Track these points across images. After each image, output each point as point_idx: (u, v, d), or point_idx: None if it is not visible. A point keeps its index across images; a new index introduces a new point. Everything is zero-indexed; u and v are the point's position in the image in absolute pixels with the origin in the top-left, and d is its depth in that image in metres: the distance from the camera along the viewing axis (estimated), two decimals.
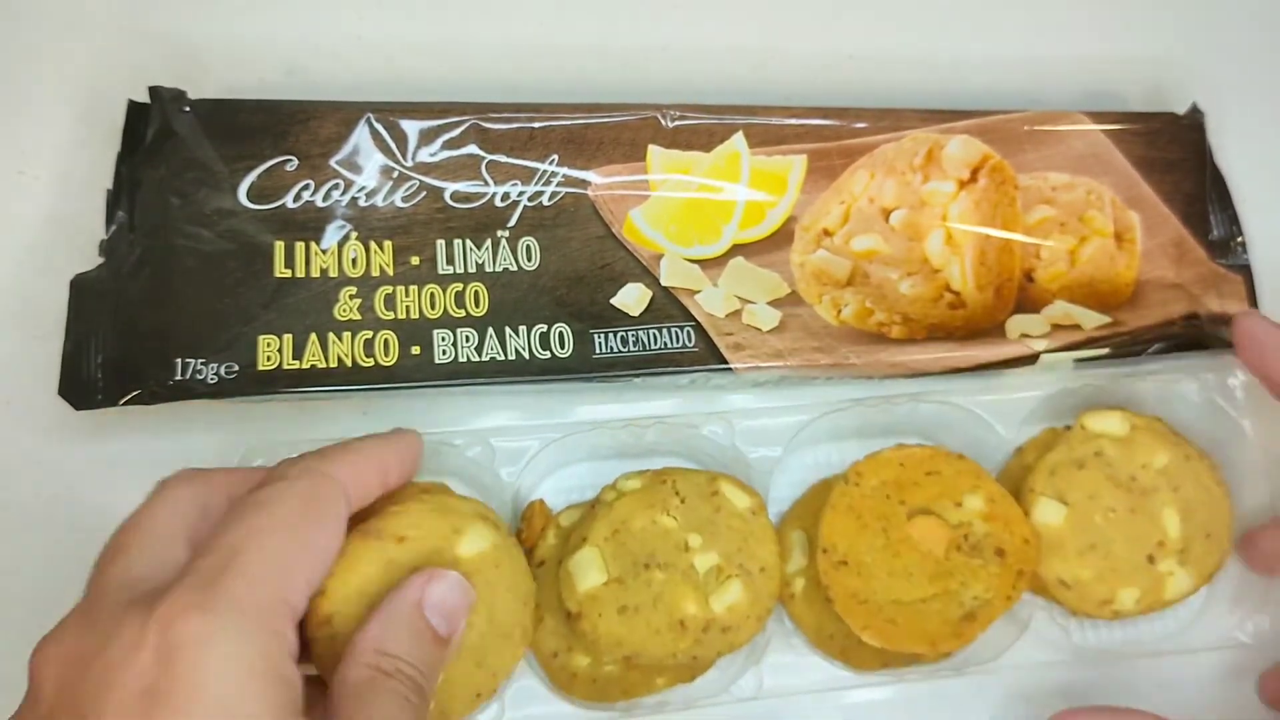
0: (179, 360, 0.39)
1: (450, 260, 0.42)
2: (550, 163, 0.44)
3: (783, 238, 0.44)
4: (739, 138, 0.45)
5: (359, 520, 0.34)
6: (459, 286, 0.42)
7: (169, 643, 0.25)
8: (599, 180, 0.44)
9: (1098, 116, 0.47)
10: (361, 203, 0.42)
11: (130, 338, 0.39)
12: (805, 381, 0.44)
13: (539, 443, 0.40)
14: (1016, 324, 0.44)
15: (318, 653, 0.32)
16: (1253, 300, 0.46)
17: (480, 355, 0.41)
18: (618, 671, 0.39)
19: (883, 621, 0.38)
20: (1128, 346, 0.44)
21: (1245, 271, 0.47)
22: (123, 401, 0.39)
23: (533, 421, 0.42)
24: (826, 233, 0.45)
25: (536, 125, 0.44)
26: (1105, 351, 0.44)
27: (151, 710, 0.25)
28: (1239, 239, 0.47)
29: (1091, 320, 0.45)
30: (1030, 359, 0.44)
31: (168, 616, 0.26)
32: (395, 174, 0.43)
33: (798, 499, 0.43)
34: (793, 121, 0.45)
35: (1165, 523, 0.40)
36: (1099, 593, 0.40)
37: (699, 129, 0.45)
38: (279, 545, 0.29)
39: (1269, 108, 0.50)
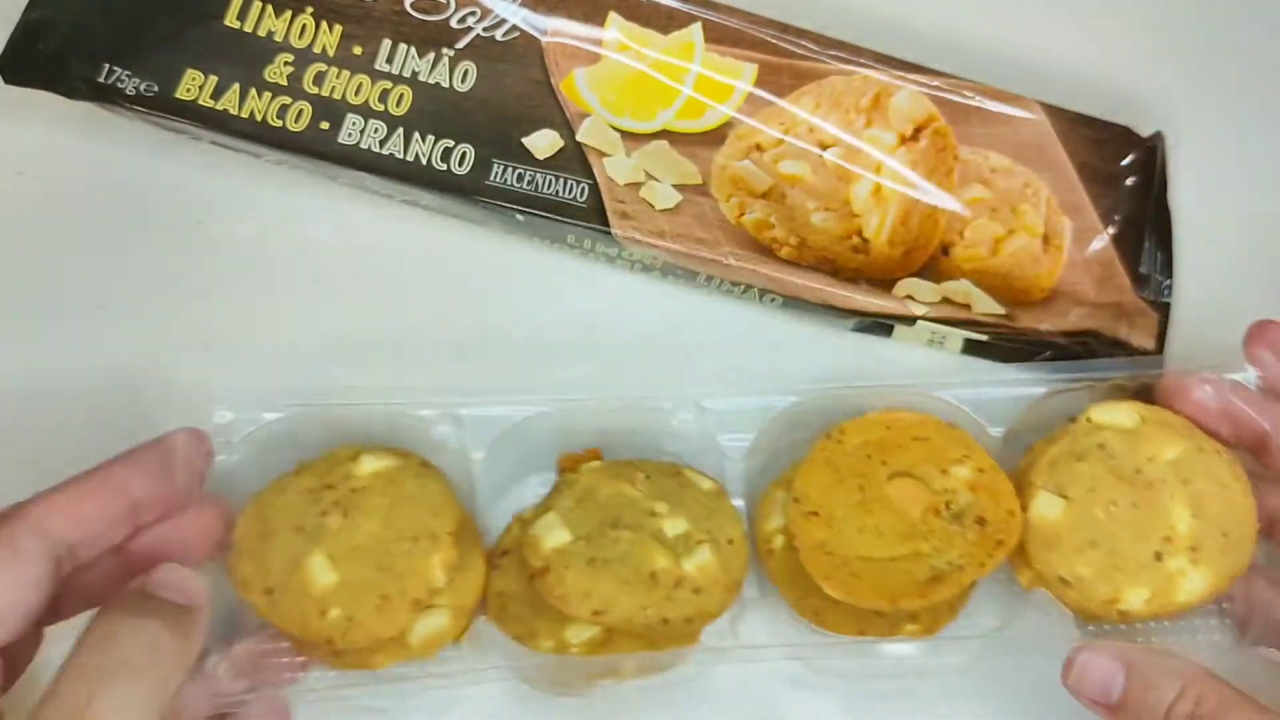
0: (107, 65, 0.42)
1: (390, 60, 0.44)
2: (515, 2, 0.45)
3: (714, 138, 0.45)
4: (697, 29, 0.45)
5: None
6: (388, 85, 0.43)
7: None
8: (555, 30, 0.45)
9: (1053, 110, 0.46)
10: None
11: (74, 35, 0.42)
12: (689, 278, 0.44)
13: (513, 414, 0.40)
14: (906, 285, 0.44)
15: (231, 572, 0.36)
16: (1162, 341, 0.45)
17: (381, 149, 0.43)
18: (584, 654, 0.37)
19: (845, 574, 0.37)
20: (1007, 341, 0.44)
21: (1164, 310, 0.45)
22: (47, 87, 0.41)
23: (502, 396, 0.40)
24: (758, 148, 0.45)
25: None
26: (985, 339, 0.44)
27: None
28: (1167, 282, 0.46)
29: (984, 306, 0.44)
30: (907, 320, 0.44)
31: None
32: None
33: (791, 464, 0.41)
34: (751, 28, 0.45)
35: (1173, 517, 0.38)
36: (1102, 591, 0.37)
37: (661, 9, 0.45)
38: None
39: (1231, 151, 0.49)
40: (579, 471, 0.39)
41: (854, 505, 0.38)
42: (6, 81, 0.41)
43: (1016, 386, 0.41)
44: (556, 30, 0.45)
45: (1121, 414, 0.39)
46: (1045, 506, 0.38)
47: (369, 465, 0.38)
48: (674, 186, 0.44)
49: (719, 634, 0.37)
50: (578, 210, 0.43)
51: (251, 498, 0.37)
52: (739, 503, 0.40)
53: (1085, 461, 0.39)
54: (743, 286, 0.44)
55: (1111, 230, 0.46)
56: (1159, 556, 0.37)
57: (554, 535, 0.37)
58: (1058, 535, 0.38)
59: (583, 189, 0.43)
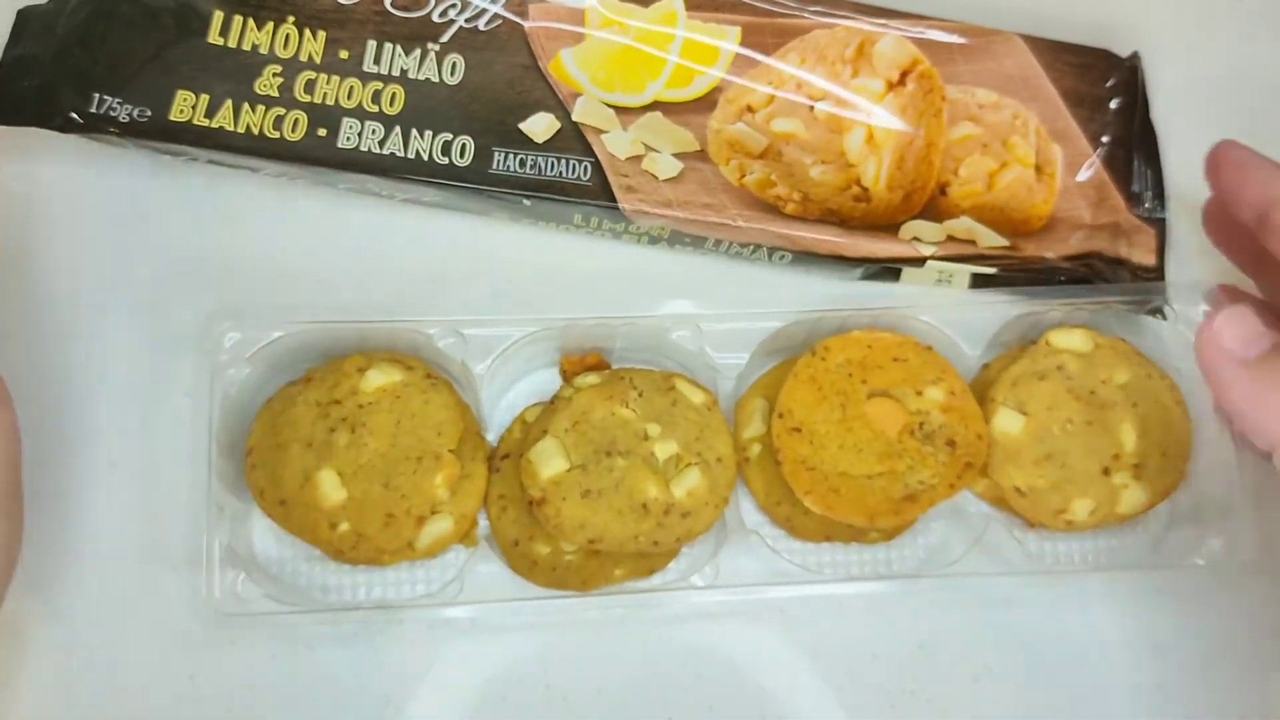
0: (97, 95, 0.41)
1: (377, 60, 0.44)
2: None
3: (705, 104, 0.45)
4: None
5: None
6: (379, 85, 0.43)
7: None
8: (537, 13, 0.45)
9: (1033, 41, 0.47)
10: None
11: (58, 69, 0.42)
12: (698, 244, 0.45)
13: (514, 334, 0.41)
14: (911, 227, 0.45)
15: (248, 482, 0.39)
16: (1162, 255, 0.46)
17: (381, 149, 0.43)
18: (577, 560, 0.40)
19: (826, 489, 0.39)
20: (1017, 271, 0.45)
21: (1160, 225, 0.47)
22: (38, 123, 0.41)
23: (507, 315, 0.42)
24: (749, 109, 0.45)
25: None
26: (993, 271, 0.45)
27: None
28: (1159, 193, 0.47)
29: (989, 240, 0.45)
30: (917, 262, 0.44)
31: None
32: None
33: (765, 371, 0.44)
34: None
35: (1122, 436, 0.41)
36: (1054, 502, 0.40)
37: None
38: None
39: (1212, 70, 0.50)
40: (575, 387, 0.41)
41: (835, 422, 0.40)
42: None
43: (993, 309, 0.44)
44: (538, 13, 0.45)
45: (1077, 339, 0.42)
46: (1006, 421, 0.41)
47: (375, 380, 0.39)
48: (674, 155, 0.44)
49: (703, 575, 0.40)
50: (583, 189, 0.43)
51: (263, 406, 0.40)
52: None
53: (1046, 381, 0.41)
54: (752, 247, 0.44)
55: (1101, 153, 0.47)
56: (1106, 472, 0.40)
57: (551, 464, 0.39)
58: (1017, 449, 0.41)
59: (585, 167, 0.43)
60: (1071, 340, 0.42)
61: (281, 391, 0.40)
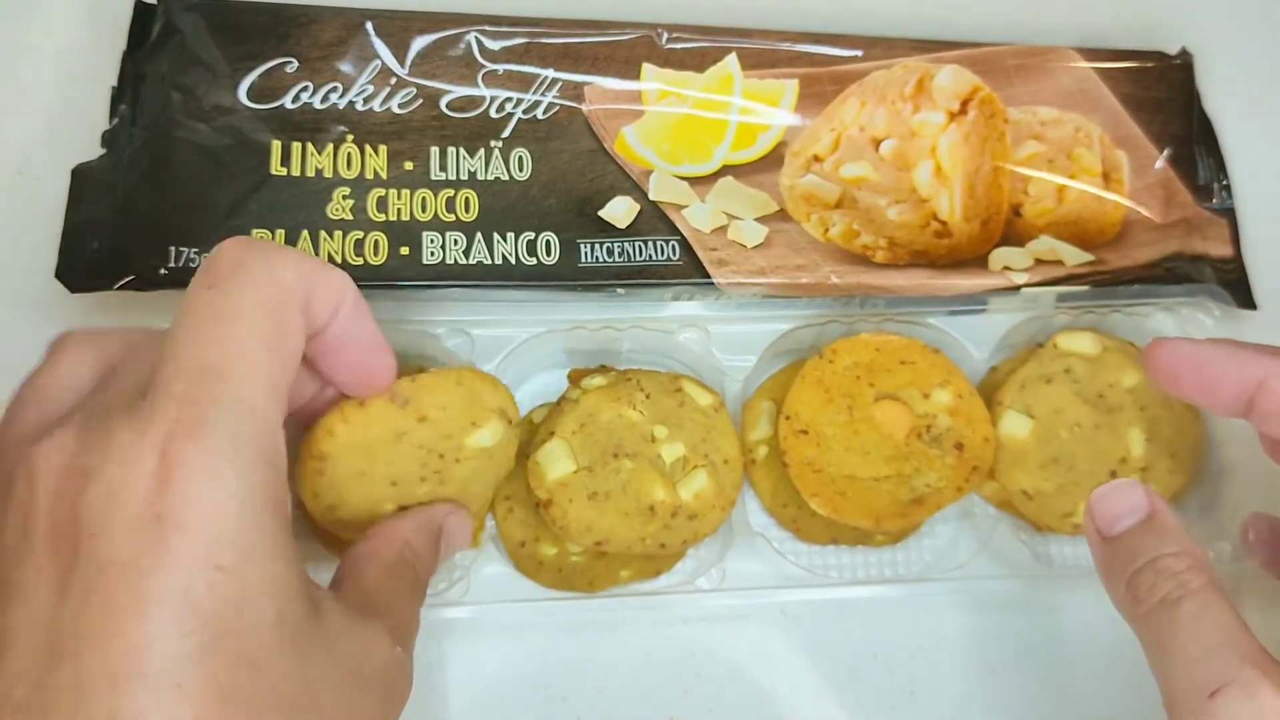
0: (173, 249, 0.40)
1: (443, 167, 0.43)
2: (546, 77, 0.44)
3: (773, 161, 0.45)
4: (732, 59, 0.45)
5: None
6: (450, 192, 0.43)
7: (170, 467, 0.25)
8: (593, 96, 0.44)
9: (1088, 53, 0.47)
10: (359, 107, 0.43)
11: (127, 226, 0.40)
12: (789, 302, 0.44)
13: (520, 335, 0.41)
14: (1000, 256, 0.45)
15: (303, 483, 0.34)
16: (1236, 243, 0.47)
17: (468, 258, 0.42)
18: (584, 562, 0.40)
19: (832, 492, 0.39)
20: (1109, 285, 0.45)
21: (1229, 215, 0.47)
22: (117, 286, 0.40)
23: (513, 316, 0.42)
24: (816, 159, 0.45)
25: (534, 40, 0.45)
26: (1085, 289, 0.45)
27: (164, 535, 0.24)
28: (1224, 183, 0.47)
29: (1075, 257, 0.45)
30: (1011, 291, 0.44)
31: (162, 437, 0.25)
32: (393, 80, 0.44)
33: (772, 374, 0.44)
34: (786, 46, 0.46)
35: (1129, 440, 0.41)
36: (1060, 505, 0.40)
37: (693, 50, 0.45)
38: (258, 362, 0.27)
39: (1257, 53, 0.50)
40: (582, 388, 0.41)
41: (842, 425, 0.40)
42: (72, 290, 0.40)
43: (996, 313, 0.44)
44: (594, 95, 0.44)
45: (1085, 342, 0.42)
46: (1013, 425, 0.41)
47: (483, 440, 0.36)
48: (756, 220, 0.44)
49: (710, 578, 0.40)
50: (675, 269, 0.43)
51: (335, 412, 0.34)
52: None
53: (1053, 384, 0.41)
54: (844, 299, 0.44)
55: (1166, 152, 0.47)
56: (1114, 475, 0.40)
57: (557, 466, 0.39)
58: (1024, 452, 0.41)
59: (673, 246, 0.43)
60: (1079, 343, 0.42)
61: (366, 407, 0.34)
